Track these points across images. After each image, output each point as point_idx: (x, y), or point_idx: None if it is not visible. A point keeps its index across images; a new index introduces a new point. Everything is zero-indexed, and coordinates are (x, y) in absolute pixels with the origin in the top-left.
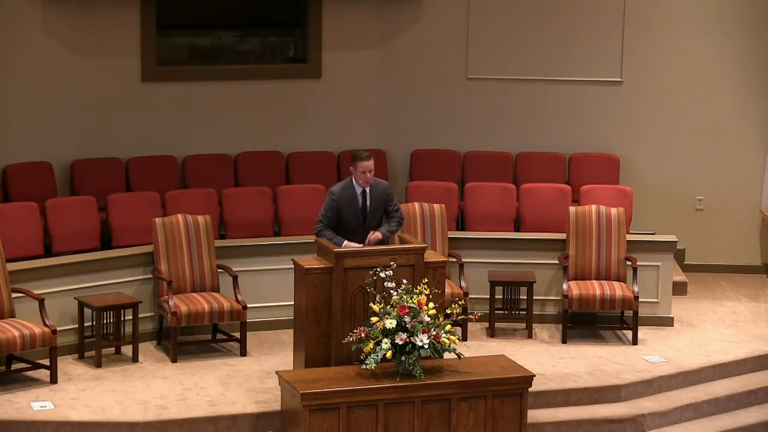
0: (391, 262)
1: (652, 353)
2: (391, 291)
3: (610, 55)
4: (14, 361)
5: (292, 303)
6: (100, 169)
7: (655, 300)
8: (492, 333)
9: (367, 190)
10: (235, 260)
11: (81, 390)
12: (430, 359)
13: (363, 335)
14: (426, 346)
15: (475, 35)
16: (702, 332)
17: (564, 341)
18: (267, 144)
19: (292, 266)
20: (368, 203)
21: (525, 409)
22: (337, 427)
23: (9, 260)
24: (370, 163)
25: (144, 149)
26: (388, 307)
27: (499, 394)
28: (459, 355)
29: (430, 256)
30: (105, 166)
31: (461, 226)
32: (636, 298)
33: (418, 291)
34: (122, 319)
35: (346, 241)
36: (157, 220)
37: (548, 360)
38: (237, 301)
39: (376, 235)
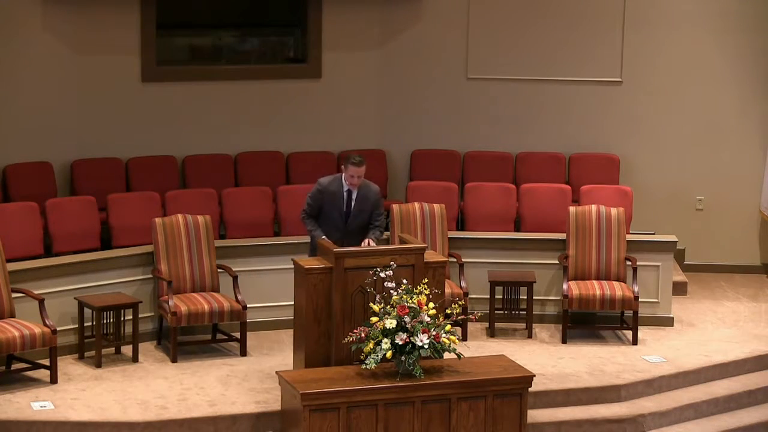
0: (391, 262)
1: (652, 353)
2: (391, 291)
3: (610, 54)
4: (14, 361)
5: (292, 303)
6: (100, 169)
7: (655, 300)
8: (492, 333)
9: (354, 191)
10: (235, 260)
11: (81, 390)
12: (430, 359)
13: (363, 335)
14: (426, 346)
15: (475, 35)
16: (702, 332)
17: (564, 341)
18: (267, 144)
19: (292, 266)
20: (353, 204)
21: (525, 409)
22: (337, 427)
23: (9, 260)
24: (360, 170)
25: (144, 149)
26: (388, 307)
27: (499, 394)
28: (459, 355)
29: (430, 256)
30: (105, 166)
31: (461, 226)
32: (636, 298)
33: (418, 291)
34: (122, 319)
35: (324, 236)
36: (157, 220)
37: (548, 360)
38: (237, 301)
39: (368, 242)
